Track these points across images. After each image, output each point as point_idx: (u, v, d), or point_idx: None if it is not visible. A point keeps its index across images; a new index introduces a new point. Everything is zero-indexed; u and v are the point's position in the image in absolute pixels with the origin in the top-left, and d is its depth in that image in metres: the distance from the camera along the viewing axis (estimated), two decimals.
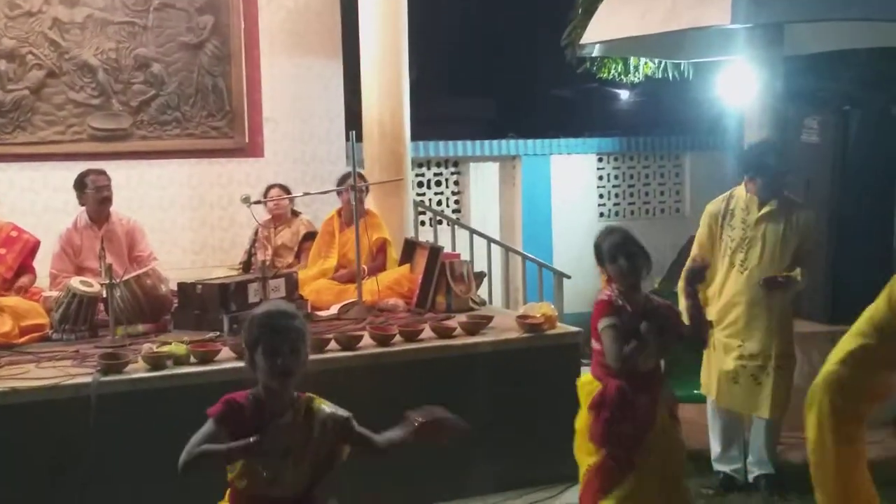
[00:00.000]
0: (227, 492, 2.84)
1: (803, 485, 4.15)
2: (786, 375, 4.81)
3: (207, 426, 2.74)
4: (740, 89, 7.87)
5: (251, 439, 2.66)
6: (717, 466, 5.02)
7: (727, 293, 4.90)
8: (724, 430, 5.02)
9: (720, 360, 4.87)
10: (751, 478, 4.96)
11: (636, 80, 8.57)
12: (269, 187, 7.03)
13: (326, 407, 2.83)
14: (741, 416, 5.01)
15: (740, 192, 4.98)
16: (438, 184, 9.61)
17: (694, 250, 5.07)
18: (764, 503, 4.79)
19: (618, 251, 3.62)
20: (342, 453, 2.84)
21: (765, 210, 4.87)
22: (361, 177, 6.50)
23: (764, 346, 4.80)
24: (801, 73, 7.43)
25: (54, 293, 5.54)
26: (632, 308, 3.60)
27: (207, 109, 7.68)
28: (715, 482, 4.94)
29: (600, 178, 10.26)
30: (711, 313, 4.84)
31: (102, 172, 6.14)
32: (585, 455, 3.68)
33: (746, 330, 4.83)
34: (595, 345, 3.67)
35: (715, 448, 5.04)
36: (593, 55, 7.54)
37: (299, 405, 2.80)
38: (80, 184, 6.10)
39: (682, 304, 4.08)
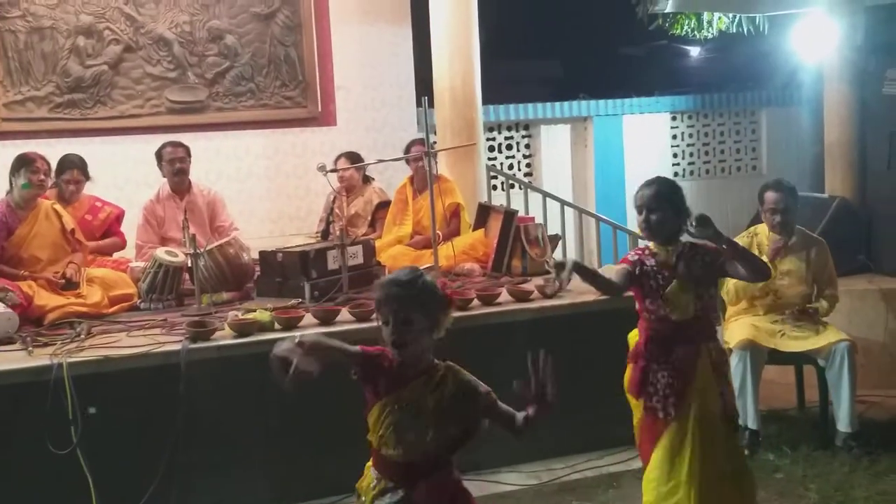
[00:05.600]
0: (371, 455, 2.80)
1: None
2: None
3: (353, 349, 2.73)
4: (818, 42, 7.70)
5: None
6: None
7: None
8: None
9: None
10: None
11: (709, 35, 8.42)
12: (339, 157, 7.06)
13: (464, 377, 2.75)
14: None
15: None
16: (510, 147, 9.57)
17: None
18: None
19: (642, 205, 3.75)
20: (479, 427, 2.75)
21: None
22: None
23: None
24: (883, 24, 7.22)
25: (141, 264, 5.69)
26: (659, 261, 3.65)
27: (280, 79, 7.78)
28: None
29: (674, 136, 10.10)
30: None
31: (179, 145, 6.27)
32: (634, 409, 3.72)
33: None
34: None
35: None
36: (666, 11, 7.43)
37: (435, 372, 2.73)
38: (158, 156, 6.26)
39: None
